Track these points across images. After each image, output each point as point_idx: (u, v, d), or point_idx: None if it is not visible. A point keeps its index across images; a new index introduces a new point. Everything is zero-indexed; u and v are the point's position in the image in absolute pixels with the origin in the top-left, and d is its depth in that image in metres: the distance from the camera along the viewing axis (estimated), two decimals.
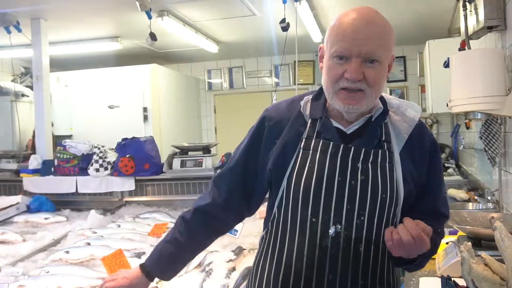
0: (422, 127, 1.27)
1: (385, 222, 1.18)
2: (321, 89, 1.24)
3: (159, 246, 1.38)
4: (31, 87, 4.59)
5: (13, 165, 3.78)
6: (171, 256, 1.35)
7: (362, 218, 1.16)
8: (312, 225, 1.17)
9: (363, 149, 1.18)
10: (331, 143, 1.19)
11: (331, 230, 1.16)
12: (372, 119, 1.22)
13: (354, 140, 1.20)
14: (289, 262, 1.20)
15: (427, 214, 1.25)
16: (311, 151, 1.20)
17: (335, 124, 1.22)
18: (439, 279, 1.36)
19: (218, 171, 3.34)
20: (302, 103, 1.27)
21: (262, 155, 1.27)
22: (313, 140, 1.21)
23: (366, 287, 1.19)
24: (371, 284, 1.20)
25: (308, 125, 1.23)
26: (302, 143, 1.21)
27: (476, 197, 3.26)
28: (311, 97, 1.28)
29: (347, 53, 1.12)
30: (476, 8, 2.45)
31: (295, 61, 6.04)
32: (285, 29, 3.65)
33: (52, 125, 4.33)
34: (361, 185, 1.16)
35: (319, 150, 1.19)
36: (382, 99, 1.26)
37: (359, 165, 1.17)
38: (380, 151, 1.19)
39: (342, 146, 1.18)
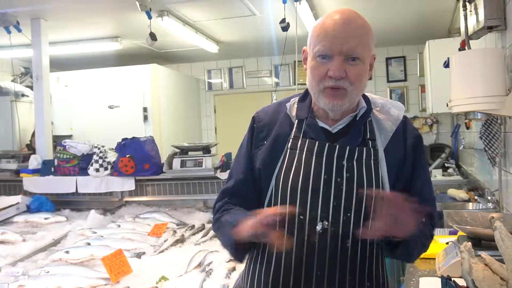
0: (406, 123, 1.29)
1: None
2: (307, 91, 1.29)
3: (226, 219, 1.26)
4: (31, 87, 4.59)
5: (13, 165, 3.77)
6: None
7: (349, 214, 1.19)
8: (300, 223, 1.20)
9: (348, 147, 1.21)
10: (317, 142, 1.23)
11: (318, 227, 1.18)
12: (357, 118, 1.25)
13: (339, 139, 1.24)
14: (279, 259, 1.22)
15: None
16: (297, 151, 1.24)
17: (320, 124, 1.26)
18: (439, 279, 1.36)
19: (219, 171, 3.34)
20: (288, 105, 1.31)
21: (254, 156, 1.31)
22: (300, 140, 1.25)
23: (354, 283, 1.21)
24: (359, 280, 1.21)
25: (295, 125, 1.27)
26: (289, 143, 1.26)
27: (476, 197, 3.26)
28: (297, 99, 1.33)
29: (329, 51, 1.16)
30: (476, 8, 2.45)
31: (295, 61, 6.05)
32: (285, 29, 3.65)
33: (52, 124, 4.32)
34: (347, 182, 1.19)
35: (305, 150, 1.23)
36: (366, 98, 1.29)
37: (344, 162, 1.21)
38: (364, 148, 1.23)
39: (327, 144, 1.22)
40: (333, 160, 1.21)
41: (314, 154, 1.22)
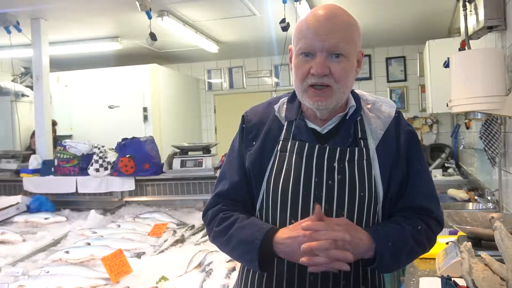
0: (398, 120, 1.24)
1: (365, 221, 1.17)
2: (295, 91, 1.25)
3: (238, 232, 1.18)
4: (31, 87, 4.60)
5: (13, 165, 3.78)
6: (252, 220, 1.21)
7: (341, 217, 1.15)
8: None
9: (339, 148, 1.18)
10: (307, 144, 1.19)
11: None
12: (347, 117, 1.21)
13: (329, 140, 1.20)
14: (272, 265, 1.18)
15: (409, 210, 1.21)
16: (287, 153, 1.20)
17: (310, 125, 1.22)
18: (439, 279, 1.35)
19: (219, 171, 3.33)
20: (276, 106, 1.27)
21: (244, 156, 1.26)
22: (289, 142, 1.21)
23: (349, 287, 1.17)
24: (354, 284, 1.18)
25: (285, 127, 1.24)
26: (279, 146, 1.22)
27: (476, 197, 3.26)
28: (286, 99, 1.28)
29: (311, 48, 1.12)
30: (476, 8, 2.45)
31: None
32: (285, 29, 3.65)
33: (53, 124, 4.33)
34: (338, 184, 1.16)
35: (295, 152, 1.20)
36: (356, 96, 1.25)
37: (335, 164, 1.17)
38: (356, 149, 1.18)
39: (317, 146, 1.18)
40: (323, 162, 1.17)
41: (304, 157, 1.18)
